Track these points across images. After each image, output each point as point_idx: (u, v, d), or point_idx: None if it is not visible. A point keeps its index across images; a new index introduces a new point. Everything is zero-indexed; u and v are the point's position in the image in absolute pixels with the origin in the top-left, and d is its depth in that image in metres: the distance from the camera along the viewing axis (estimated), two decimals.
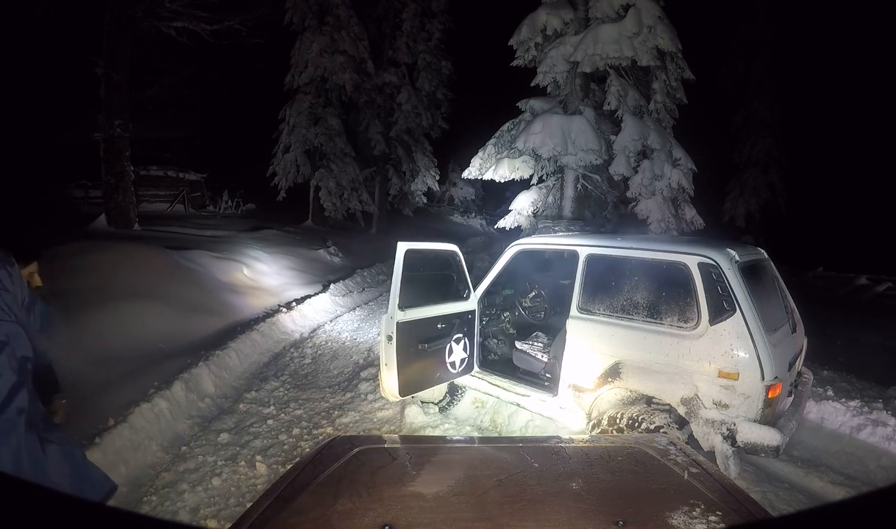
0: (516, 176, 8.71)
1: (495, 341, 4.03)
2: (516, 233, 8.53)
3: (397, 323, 2.87)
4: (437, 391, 3.84)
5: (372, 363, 5.01)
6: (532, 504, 1.14)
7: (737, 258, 2.67)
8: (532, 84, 8.13)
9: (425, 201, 19.29)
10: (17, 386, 1.70)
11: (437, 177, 18.46)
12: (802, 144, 17.34)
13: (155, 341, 4.61)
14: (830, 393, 3.95)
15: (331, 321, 6.93)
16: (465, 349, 3.37)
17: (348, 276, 9.13)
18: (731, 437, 2.50)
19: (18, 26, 9.68)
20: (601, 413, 2.92)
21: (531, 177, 8.79)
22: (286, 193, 14.33)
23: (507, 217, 8.90)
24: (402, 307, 2.89)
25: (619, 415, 2.80)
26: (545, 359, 3.50)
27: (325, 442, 1.50)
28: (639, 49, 6.98)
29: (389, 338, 2.88)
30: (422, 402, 3.88)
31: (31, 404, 1.76)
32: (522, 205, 8.78)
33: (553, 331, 3.60)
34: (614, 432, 2.77)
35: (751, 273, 2.77)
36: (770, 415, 2.56)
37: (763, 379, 2.45)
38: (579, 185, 8.34)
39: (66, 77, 10.56)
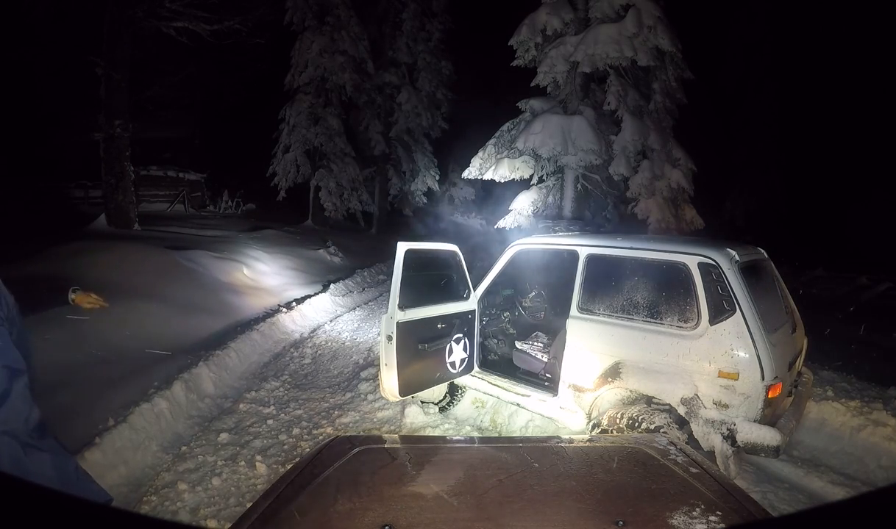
0: (516, 176, 8.71)
1: (495, 341, 4.03)
2: (516, 233, 8.52)
3: (397, 323, 2.87)
4: (437, 391, 3.84)
5: (372, 363, 5.01)
6: (532, 504, 1.14)
7: (737, 258, 2.66)
8: (532, 84, 8.13)
9: (425, 201, 19.28)
10: (3, 395, 1.67)
11: (437, 177, 18.47)
12: (802, 144, 17.30)
13: (158, 341, 4.60)
14: (830, 393, 3.95)
15: (331, 321, 6.93)
16: (465, 349, 3.37)
17: (348, 276, 9.13)
18: (731, 437, 2.50)
19: (18, 26, 9.68)
20: (601, 413, 2.92)
21: (531, 177, 8.78)
22: (286, 193, 14.35)
23: (507, 217, 8.90)
24: (402, 307, 2.89)
25: (619, 415, 2.80)
26: (545, 359, 3.50)
27: (325, 442, 1.50)
28: (639, 49, 6.98)
29: (389, 338, 2.88)
30: (422, 402, 3.88)
31: (14, 412, 1.72)
32: (522, 205, 8.77)
33: (553, 331, 3.60)
34: (614, 432, 2.77)
35: (751, 273, 2.77)
36: (770, 415, 2.56)
37: (763, 379, 2.45)
38: (579, 185, 8.35)
39: (66, 77, 10.54)
